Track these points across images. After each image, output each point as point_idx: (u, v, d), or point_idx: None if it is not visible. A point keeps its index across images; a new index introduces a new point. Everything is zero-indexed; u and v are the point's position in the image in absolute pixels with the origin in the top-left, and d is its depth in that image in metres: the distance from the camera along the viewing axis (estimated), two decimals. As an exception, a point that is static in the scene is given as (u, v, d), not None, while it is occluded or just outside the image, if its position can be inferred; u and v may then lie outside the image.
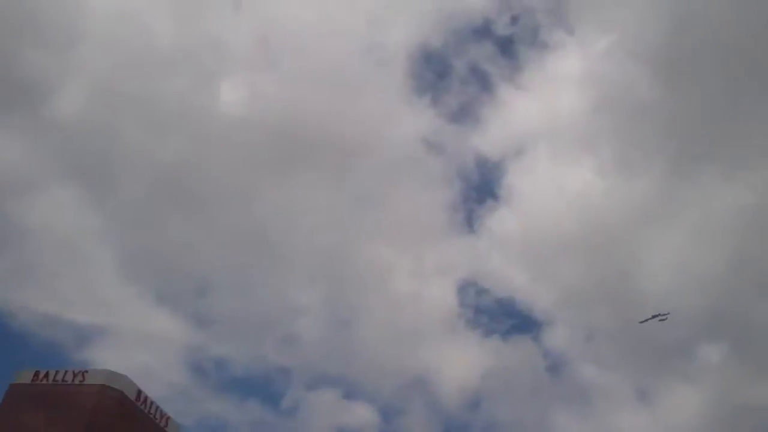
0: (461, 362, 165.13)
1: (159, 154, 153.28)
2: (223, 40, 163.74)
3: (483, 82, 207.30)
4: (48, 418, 67.84)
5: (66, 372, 71.90)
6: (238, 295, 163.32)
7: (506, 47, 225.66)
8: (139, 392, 74.33)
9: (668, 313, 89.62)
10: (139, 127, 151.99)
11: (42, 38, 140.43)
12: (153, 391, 77.83)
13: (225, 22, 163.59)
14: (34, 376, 71.83)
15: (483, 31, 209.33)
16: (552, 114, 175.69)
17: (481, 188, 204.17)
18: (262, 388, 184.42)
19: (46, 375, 71.77)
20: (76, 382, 70.74)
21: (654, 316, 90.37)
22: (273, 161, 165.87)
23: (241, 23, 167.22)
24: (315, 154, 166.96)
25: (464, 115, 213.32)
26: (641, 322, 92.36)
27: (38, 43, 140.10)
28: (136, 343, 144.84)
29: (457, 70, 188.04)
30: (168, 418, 79.12)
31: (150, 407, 76.00)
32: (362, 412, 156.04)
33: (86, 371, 72.21)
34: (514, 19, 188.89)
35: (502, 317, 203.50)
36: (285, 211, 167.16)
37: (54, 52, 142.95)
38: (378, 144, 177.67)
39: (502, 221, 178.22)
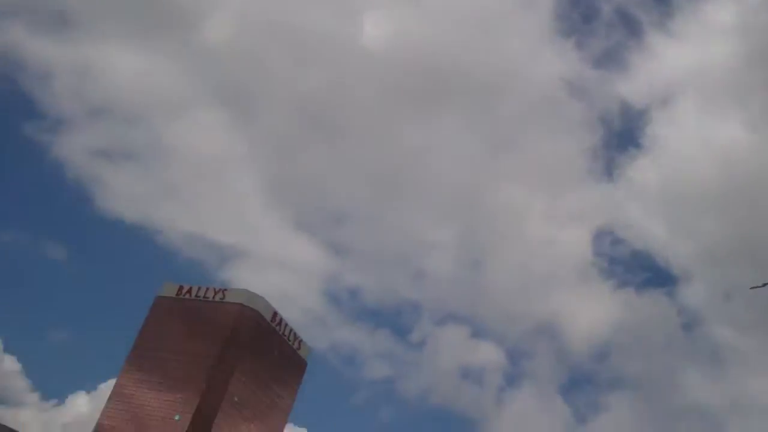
0: (592, 312, 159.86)
1: (302, 84, 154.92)
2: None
3: (631, 27, 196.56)
4: (189, 332, 69.88)
5: (207, 289, 73.48)
6: (373, 227, 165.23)
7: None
8: (275, 314, 75.02)
9: None
10: (283, 57, 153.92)
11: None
12: (287, 314, 78.80)
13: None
14: (178, 290, 74.04)
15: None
16: (702, 64, 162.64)
17: (623, 136, 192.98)
18: (392, 319, 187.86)
19: (189, 290, 73.79)
20: (217, 299, 72.22)
21: (765, 284, 78.87)
22: (413, 98, 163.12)
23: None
24: (455, 93, 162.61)
25: (610, 60, 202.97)
26: (752, 288, 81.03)
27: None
28: (274, 266, 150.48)
29: (605, 14, 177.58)
30: (300, 341, 79.89)
31: (284, 329, 76.81)
32: (489, 352, 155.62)
33: (226, 290, 73.67)
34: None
35: (637, 269, 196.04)
36: (422, 148, 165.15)
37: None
38: (519, 85, 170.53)
39: (643, 171, 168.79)
